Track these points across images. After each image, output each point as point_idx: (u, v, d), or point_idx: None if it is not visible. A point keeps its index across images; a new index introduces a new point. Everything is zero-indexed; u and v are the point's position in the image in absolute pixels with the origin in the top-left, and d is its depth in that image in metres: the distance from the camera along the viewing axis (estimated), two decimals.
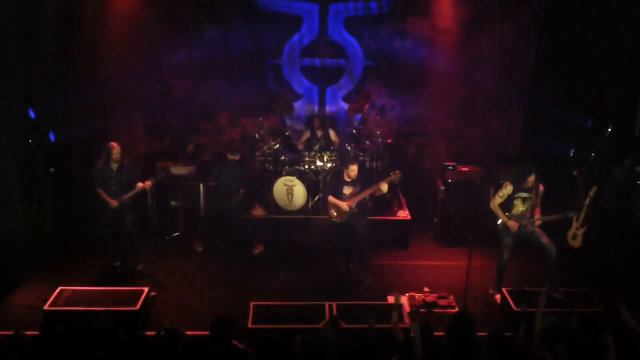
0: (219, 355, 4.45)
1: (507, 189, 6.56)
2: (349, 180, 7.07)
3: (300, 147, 8.99)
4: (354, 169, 7.01)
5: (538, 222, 6.53)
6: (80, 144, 8.56)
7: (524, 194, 6.54)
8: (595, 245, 7.79)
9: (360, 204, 7.07)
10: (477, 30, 9.29)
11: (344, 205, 7.03)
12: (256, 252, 8.03)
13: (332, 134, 9.00)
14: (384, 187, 6.93)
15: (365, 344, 5.15)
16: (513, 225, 6.52)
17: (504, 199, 6.58)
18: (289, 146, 9.03)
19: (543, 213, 6.56)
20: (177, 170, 8.56)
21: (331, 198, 7.13)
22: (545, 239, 6.51)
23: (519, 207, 6.58)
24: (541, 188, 6.55)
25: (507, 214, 6.59)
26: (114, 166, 7.05)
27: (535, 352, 4.53)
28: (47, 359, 4.74)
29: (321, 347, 5.13)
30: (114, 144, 7.04)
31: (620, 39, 8.39)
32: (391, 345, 4.86)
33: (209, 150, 9.87)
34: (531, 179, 6.45)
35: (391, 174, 7.07)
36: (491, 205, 6.68)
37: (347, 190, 7.09)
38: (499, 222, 6.67)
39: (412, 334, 4.44)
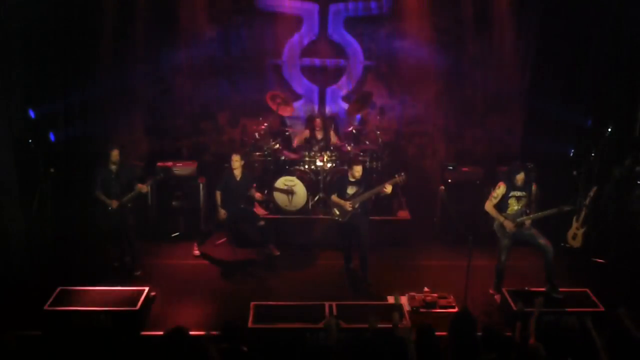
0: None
1: (501, 189, 6.55)
2: (353, 180, 7.07)
3: (293, 145, 8.98)
4: (358, 170, 6.99)
5: (528, 222, 6.51)
6: (80, 144, 8.56)
7: (518, 193, 6.52)
8: (595, 245, 7.79)
9: (363, 204, 7.07)
10: (477, 30, 9.28)
11: (347, 204, 7.02)
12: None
13: (333, 134, 9.00)
14: (389, 188, 6.92)
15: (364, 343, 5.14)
16: (509, 224, 6.52)
17: (498, 199, 6.56)
18: (289, 146, 9.02)
19: (539, 211, 6.54)
20: (178, 170, 8.57)
21: (334, 197, 7.13)
22: (542, 240, 6.50)
23: (514, 206, 6.56)
24: (534, 187, 6.54)
25: (503, 214, 6.58)
26: (113, 168, 7.08)
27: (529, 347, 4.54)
28: (47, 359, 4.74)
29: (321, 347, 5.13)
30: (112, 146, 7.07)
31: (620, 39, 8.38)
32: (390, 345, 4.86)
33: (210, 150, 9.85)
34: (520, 176, 6.44)
35: (396, 176, 6.99)
36: (486, 207, 6.65)
37: (350, 190, 7.08)
38: (495, 224, 6.67)
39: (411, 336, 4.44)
